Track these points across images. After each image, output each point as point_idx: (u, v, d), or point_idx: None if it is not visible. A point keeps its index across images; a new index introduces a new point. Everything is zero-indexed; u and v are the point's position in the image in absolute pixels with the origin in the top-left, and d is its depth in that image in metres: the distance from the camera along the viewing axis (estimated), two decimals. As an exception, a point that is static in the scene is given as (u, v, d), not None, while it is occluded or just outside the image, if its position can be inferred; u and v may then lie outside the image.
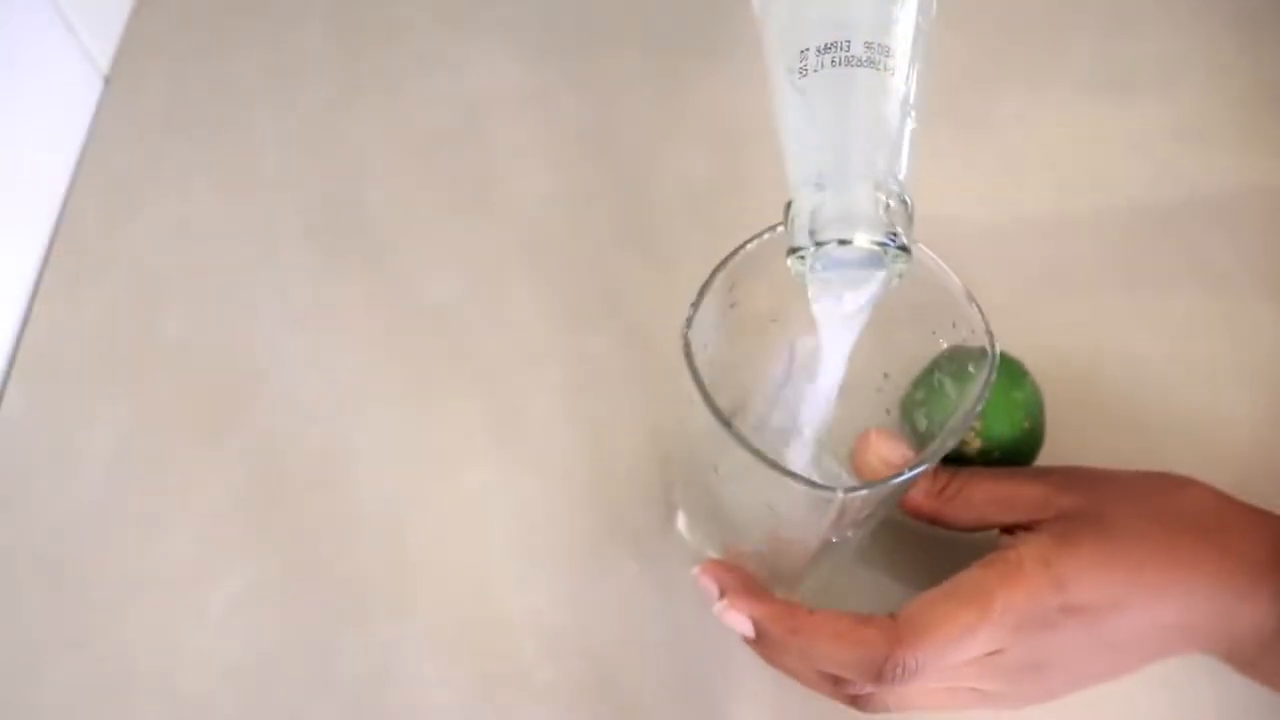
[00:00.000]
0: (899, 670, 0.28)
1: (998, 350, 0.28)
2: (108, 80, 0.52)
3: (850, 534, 0.31)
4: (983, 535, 0.34)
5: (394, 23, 0.54)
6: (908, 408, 0.36)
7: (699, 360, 0.27)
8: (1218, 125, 0.50)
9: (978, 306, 0.28)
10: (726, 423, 0.26)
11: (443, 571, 0.38)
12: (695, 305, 0.28)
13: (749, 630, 0.31)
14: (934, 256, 0.29)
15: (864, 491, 0.25)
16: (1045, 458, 0.35)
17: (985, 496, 0.33)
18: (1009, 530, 0.32)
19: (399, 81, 0.52)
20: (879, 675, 0.28)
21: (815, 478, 0.26)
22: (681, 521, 0.38)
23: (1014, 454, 0.34)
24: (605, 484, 0.40)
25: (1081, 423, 0.38)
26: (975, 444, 0.34)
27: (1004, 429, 0.34)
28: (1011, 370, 0.35)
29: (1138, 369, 0.42)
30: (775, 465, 0.25)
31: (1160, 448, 0.39)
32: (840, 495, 0.25)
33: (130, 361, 0.43)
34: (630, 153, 0.49)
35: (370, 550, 0.38)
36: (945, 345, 0.34)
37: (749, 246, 0.28)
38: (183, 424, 0.41)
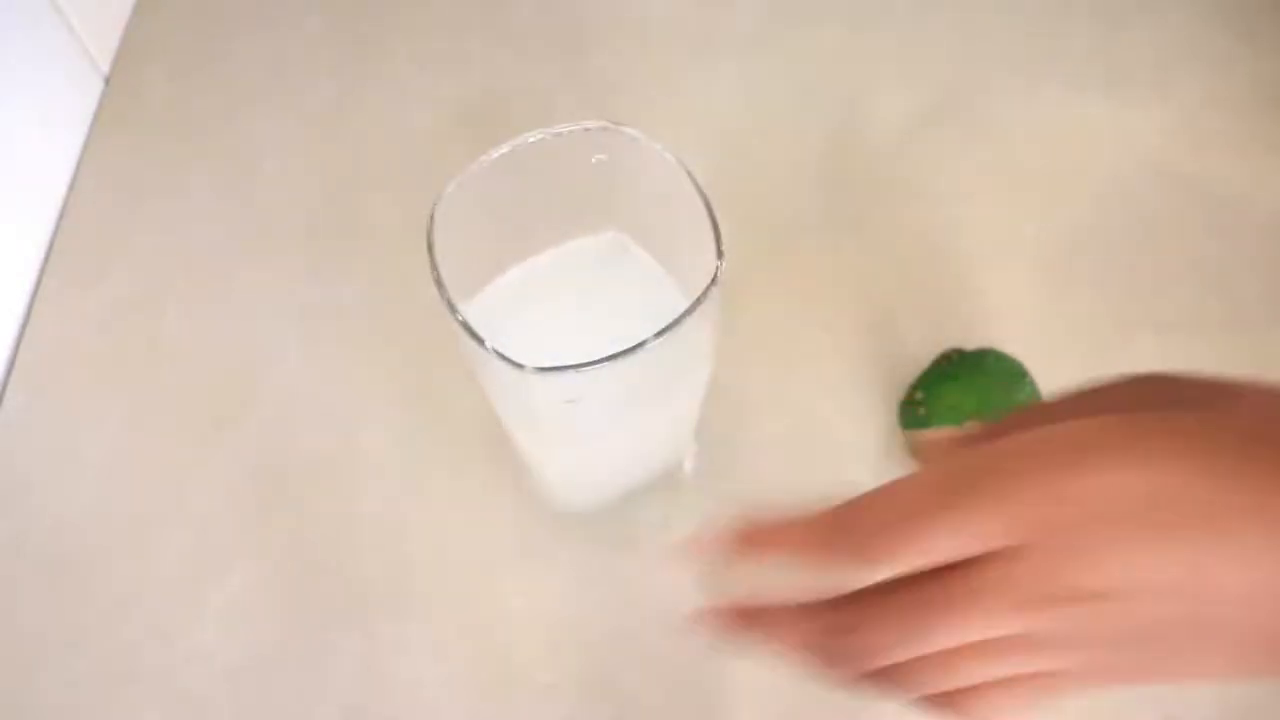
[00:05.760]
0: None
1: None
2: (108, 80, 0.52)
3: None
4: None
5: (394, 22, 0.54)
6: (908, 408, 0.36)
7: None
8: (1216, 125, 0.50)
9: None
10: (453, 307, 0.25)
11: (442, 571, 0.38)
12: None
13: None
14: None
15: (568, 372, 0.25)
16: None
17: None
18: None
19: (399, 81, 0.52)
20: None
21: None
22: (544, 483, 0.37)
23: (1014, 454, 0.34)
24: (605, 484, 0.40)
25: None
26: (975, 444, 0.34)
27: (1004, 429, 0.34)
28: (1011, 370, 0.35)
29: (1137, 368, 0.42)
30: (481, 341, 0.24)
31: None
32: (529, 372, 0.24)
33: (130, 361, 0.43)
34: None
35: (370, 550, 0.38)
36: (945, 345, 0.34)
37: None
38: (182, 424, 0.41)
